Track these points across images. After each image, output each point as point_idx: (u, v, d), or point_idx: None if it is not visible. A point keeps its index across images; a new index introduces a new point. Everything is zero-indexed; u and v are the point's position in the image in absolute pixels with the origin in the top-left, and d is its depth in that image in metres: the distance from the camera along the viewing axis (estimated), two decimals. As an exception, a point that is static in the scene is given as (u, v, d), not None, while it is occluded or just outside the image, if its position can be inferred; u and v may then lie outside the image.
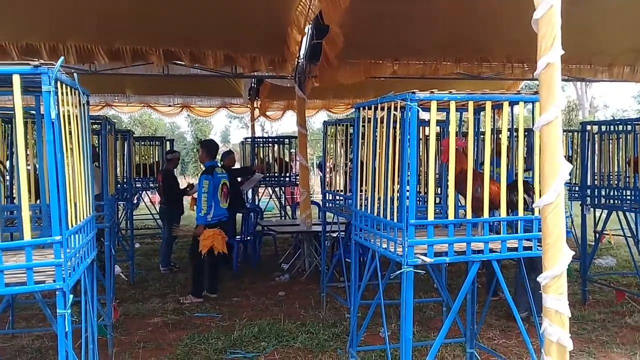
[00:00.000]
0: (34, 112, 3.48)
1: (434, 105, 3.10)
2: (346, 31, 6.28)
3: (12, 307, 5.11)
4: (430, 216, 3.15)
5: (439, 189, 4.42)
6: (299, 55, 7.74)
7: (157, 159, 10.92)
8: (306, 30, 7.09)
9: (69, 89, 2.82)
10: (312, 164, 17.32)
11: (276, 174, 11.06)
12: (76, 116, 2.98)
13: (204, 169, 6.65)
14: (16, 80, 2.48)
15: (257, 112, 13.00)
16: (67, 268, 2.61)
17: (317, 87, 8.22)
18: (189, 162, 33.64)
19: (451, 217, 3.19)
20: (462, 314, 4.45)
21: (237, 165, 9.70)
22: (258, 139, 11.76)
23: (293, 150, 11.29)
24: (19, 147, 2.52)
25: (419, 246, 3.18)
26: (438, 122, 3.84)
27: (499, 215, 3.30)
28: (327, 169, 6.60)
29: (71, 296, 2.63)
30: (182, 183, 10.26)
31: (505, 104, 3.27)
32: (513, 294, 5.04)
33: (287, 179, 11.18)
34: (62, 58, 2.60)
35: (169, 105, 13.14)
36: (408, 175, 3.14)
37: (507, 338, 5.17)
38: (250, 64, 7.43)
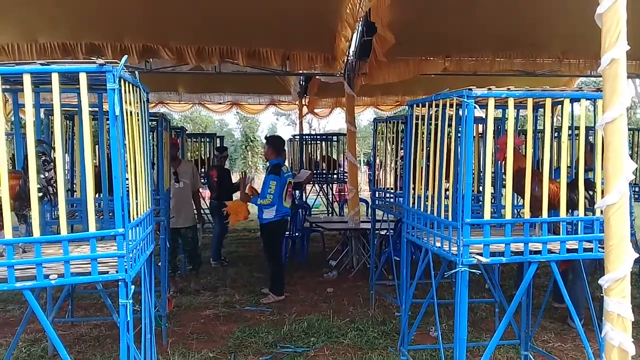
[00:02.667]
0: (91, 108, 3.61)
1: (491, 102, 3.04)
2: (396, 28, 6.22)
3: (71, 297, 5.30)
4: (487, 215, 3.10)
5: (493, 187, 4.34)
6: (349, 53, 7.73)
7: (207, 155, 11.15)
8: (356, 28, 7.07)
9: (131, 86, 2.91)
10: (360, 161, 17.29)
11: (324, 171, 11.09)
12: (137, 113, 3.07)
13: (268, 166, 6.38)
14: (83, 78, 2.58)
15: (305, 109, 13.07)
16: (129, 259, 2.70)
17: (365, 84, 8.19)
18: (236, 158, 34.19)
19: (508, 216, 3.12)
20: (516, 315, 4.36)
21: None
22: (306, 136, 11.82)
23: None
24: (85, 143, 2.61)
25: (473, 245, 3.13)
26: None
27: (558, 215, 3.22)
28: (377, 167, 6.57)
29: (132, 287, 2.72)
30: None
31: (566, 101, 3.19)
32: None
33: (335, 176, 11.19)
34: (125, 57, 2.67)
35: (220, 103, 13.38)
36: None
37: (563, 341, 5.04)
38: (306, 62, 7.44)
